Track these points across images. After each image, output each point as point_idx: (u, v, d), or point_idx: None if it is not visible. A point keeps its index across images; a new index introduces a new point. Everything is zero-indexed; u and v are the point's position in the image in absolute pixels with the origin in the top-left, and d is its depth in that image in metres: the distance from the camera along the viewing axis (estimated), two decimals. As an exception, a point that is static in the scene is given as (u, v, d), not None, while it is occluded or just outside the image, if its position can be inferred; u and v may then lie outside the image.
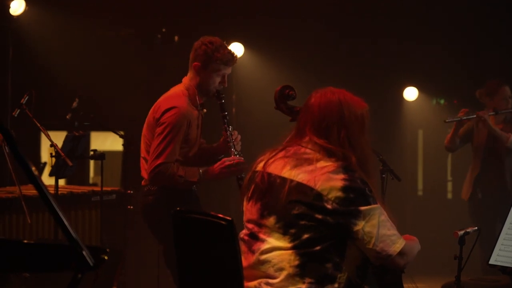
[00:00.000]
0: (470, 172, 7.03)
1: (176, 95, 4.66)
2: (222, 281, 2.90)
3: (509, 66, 8.39)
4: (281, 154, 3.00)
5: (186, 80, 4.72)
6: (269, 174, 2.97)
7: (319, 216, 2.81)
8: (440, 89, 9.45)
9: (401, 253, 2.88)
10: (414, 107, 9.53)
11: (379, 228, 2.83)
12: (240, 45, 8.56)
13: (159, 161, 4.49)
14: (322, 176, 2.83)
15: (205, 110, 4.82)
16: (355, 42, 8.89)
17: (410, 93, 9.24)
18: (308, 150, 2.94)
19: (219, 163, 4.63)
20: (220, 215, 2.84)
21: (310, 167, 2.87)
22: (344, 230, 2.83)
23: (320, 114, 2.97)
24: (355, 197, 2.82)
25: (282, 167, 2.94)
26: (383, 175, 4.88)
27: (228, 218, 2.80)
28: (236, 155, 4.67)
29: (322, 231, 2.82)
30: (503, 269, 3.70)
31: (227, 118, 4.71)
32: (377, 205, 2.86)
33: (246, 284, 2.90)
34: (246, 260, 2.95)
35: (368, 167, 2.97)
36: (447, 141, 7.08)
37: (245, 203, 3.06)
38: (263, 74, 8.90)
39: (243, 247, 2.99)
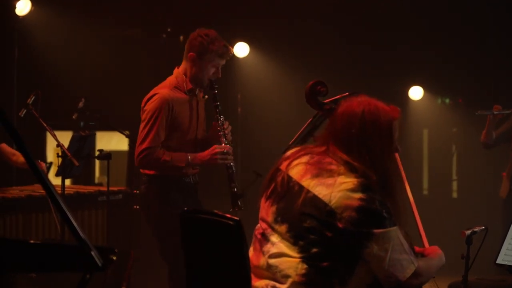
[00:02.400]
0: (508, 171, 7.04)
1: (161, 85, 4.76)
2: (229, 281, 2.89)
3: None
4: (305, 158, 2.94)
5: (176, 70, 4.82)
6: (290, 178, 2.91)
7: (329, 234, 2.76)
8: (445, 88, 9.44)
9: (415, 274, 2.82)
10: (419, 107, 9.52)
11: (391, 252, 2.76)
12: (246, 45, 8.56)
13: (143, 146, 4.60)
14: (339, 193, 2.76)
15: (206, 96, 4.87)
16: (360, 41, 8.89)
17: (415, 92, 9.23)
18: (332, 161, 2.87)
19: (210, 149, 4.68)
20: (228, 215, 2.83)
21: (330, 180, 2.80)
22: (354, 251, 2.78)
23: (342, 126, 2.89)
24: (370, 219, 2.74)
25: (303, 174, 2.88)
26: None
27: (236, 218, 2.80)
28: (226, 144, 4.71)
29: (331, 249, 2.78)
30: (511, 269, 3.69)
31: (219, 108, 4.77)
32: (393, 228, 2.78)
33: (254, 281, 2.90)
34: (257, 259, 2.94)
35: (391, 184, 2.86)
36: (483, 137, 6.99)
37: (263, 199, 3.02)
38: (268, 74, 8.90)
39: (256, 244, 2.98)
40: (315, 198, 2.80)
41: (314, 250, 2.78)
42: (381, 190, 2.81)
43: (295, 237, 2.83)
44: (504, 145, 7.07)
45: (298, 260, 2.81)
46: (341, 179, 2.80)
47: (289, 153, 3.04)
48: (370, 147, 2.85)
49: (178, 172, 4.69)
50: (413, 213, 3.26)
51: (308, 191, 2.83)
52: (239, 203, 4.67)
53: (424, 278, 2.90)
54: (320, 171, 2.85)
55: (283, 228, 2.88)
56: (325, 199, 2.77)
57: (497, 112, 6.74)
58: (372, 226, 2.75)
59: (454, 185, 10.08)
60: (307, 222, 2.79)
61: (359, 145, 2.85)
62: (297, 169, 2.92)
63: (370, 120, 2.87)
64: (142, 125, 4.66)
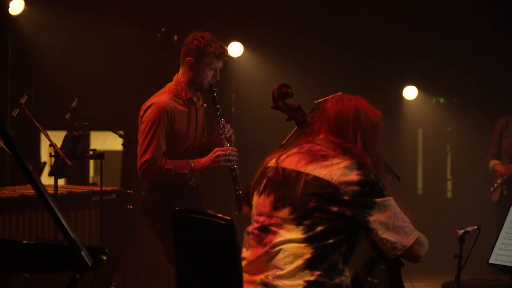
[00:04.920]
0: (499, 174, 7.12)
1: (160, 92, 4.73)
2: (221, 281, 2.89)
3: (509, 65, 8.40)
4: (294, 150, 3.04)
5: (176, 76, 4.78)
6: (284, 169, 2.99)
7: (335, 208, 2.85)
8: (440, 88, 9.46)
9: (418, 242, 2.92)
10: (413, 106, 9.54)
11: (394, 220, 2.88)
12: (240, 44, 8.56)
13: (145, 158, 4.56)
14: (338, 171, 2.88)
15: (205, 104, 4.86)
16: (355, 41, 8.89)
17: (410, 92, 9.25)
18: (323, 148, 2.98)
19: (211, 153, 4.66)
20: (220, 215, 2.83)
21: (326, 162, 2.91)
22: (360, 221, 2.87)
23: (336, 116, 3.02)
24: (371, 190, 2.87)
25: (297, 162, 2.98)
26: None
27: (228, 217, 2.79)
28: (228, 146, 4.70)
29: (336, 224, 2.86)
30: (503, 268, 3.69)
31: (220, 111, 4.75)
32: (391, 197, 2.91)
33: (252, 278, 2.91)
34: (253, 254, 2.97)
35: (381, 172, 3.02)
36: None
37: (255, 197, 3.07)
38: (262, 74, 8.90)
39: (251, 241, 3.00)
40: (316, 179, 2.89)
41: (320, 228, 2.86)
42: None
43: (299, 218, 2.90)
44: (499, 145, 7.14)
45: (304, 245, 2.86)
46: (336, 160, 2.92)
47: (272, 154, 3.11)
48: (364, 133, 3.00)
49: (182, 180, 4.67)
50: None
51: (308, 174, 2.91)
52: None
53: (425, 248, 2.98)
54: (314, 157, 2.96)
55: (285, 211, 2.93)
56: (327, 177, 2.88)
57: (507, 177, 7.05)
58: (373, 196, 2.87)
59: (449, 184, 10.10)
60: (312, 201, 2.87)
61: (355, 131, 2.99)
62: (289, 159, 3.01)
63: (363, 112, 3.03)
64: (141, 137, 4.60)
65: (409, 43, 8.98)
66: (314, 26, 8.80)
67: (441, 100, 9.72)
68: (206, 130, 4.93)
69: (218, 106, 4.74)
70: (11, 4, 7.16)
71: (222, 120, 4.74)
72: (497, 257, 3.67)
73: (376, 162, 2.98)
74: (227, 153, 4.64)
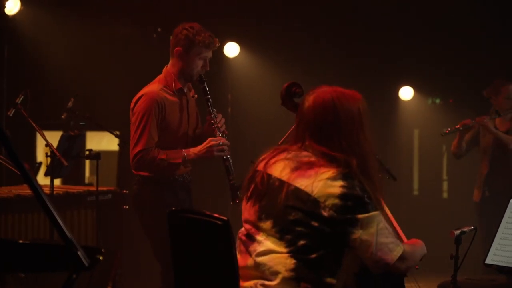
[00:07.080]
0: (480, 174, 7.07)
1: (150, 84, 4.73)
2: (217, 281, 2.89)
3: (505, 65, 8.40)
4: (282, 155, 2.95)
5: (165, 68, 4.78)
6: (269, 176, 2.93)
7: (315, 224, 2.78)
8: (436, 88, 9.46)
9: (401, 258, 2.84)
10: (409, 107, 9.53)
11: (377, 237, 2.79)
12: (236, 45, 8.56)
13: (137, 149, 4.55)
14: (319, 182, 2.78)
15: (196, 95, 4.85)
16: (351, 41, 8.89)
17: (406, 93, 9.25)
18: (310, 154, 2.89)
19: (205, 142, 4.66)
20: (216, 215, 2.82)
21: (310, 172, 2.83)
22: (341, 238, 2.80)
23: (316, 119, 2.90)
24: (353, 205, 2.77)
25: (282, 169, 2.90)
26: (379, 175, 4.85)
27: (224, 218, 2.79)
28: (221, 136, 4.69)
29: (318, 239, 2.79)
30: (500, 269, 3.70)
31: (211, 101, 4.74)
32: (376, 212, 2.81)
33: (242, 283, 2.88)
34: (243, 260, 2.93)
35: (369, 167, 2.88)
36: (454, 147, 7.06)
37: (244, 201, 3.03)
38: (259, 74, 8.90)
39: (241, 247, 2.97)
40: (297, 190, 2.82)
41: (301, 242, 2.79)
42: (361, 173, 2.83)
43: (281, 232, 2.84)
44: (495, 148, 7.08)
45: (286, 255, 2.81)
46: (321, 169, 2.82)
47: (264, 154, 3.04)
48: (346, 133, 2.88)
49: (175, 171, 4.65)
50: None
51: (290, 185, 2.84)
52: (239, 194, 4.65)
53: (410, 262, 2.91)
54: (299, 164, 2.87)
55: (268, 224, 2.88)
56: (307, 189, 2.79)
57: (463, 129, 6.82)
58: (356, 212, 2.77)
59: (445, 185, 10.09)
60: (292, 214, 2.81)
61: (337, 133, 2.87)
62: (276, 166, 2.94)
63: (341, 106, 2.90)
64: (133, 128, 4.60)
65: (406, 43, 8.98)
66: (310, 26, 8.80)
67: (437, 101, 9.72)
68: (200, 121, 4.91)
69: (209, 96, 4.73)
70: (7, 4, 7.16)
71: (213, 110, 4.73)
72: (493, 258, 3.67)
73: (362, 159, 2.85)
74: (220, 142, 4.64)
